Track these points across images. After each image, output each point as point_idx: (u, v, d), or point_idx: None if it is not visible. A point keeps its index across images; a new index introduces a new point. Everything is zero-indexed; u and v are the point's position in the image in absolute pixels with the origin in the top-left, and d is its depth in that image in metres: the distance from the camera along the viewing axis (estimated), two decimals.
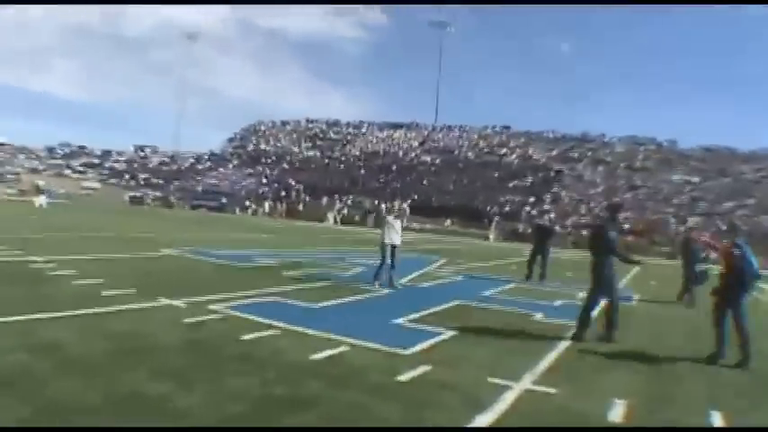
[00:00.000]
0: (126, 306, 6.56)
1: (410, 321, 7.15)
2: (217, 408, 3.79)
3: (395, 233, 10.12)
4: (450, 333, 6.64)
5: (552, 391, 4.75)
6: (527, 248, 14.87)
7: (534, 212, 42.29)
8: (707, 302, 7.27)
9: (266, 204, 51.63)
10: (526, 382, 4.93)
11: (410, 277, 11.84)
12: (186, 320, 6.13)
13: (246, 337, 5.66)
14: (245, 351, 5.17)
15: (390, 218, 10.32)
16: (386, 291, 9.60)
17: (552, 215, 39.05)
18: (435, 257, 17.77)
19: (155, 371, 4.38)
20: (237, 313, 6.70)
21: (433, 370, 5.03)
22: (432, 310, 8.05)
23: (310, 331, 6.09)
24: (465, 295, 9.76)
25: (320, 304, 7.79)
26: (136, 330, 5.55)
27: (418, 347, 5.80)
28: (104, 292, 7.21)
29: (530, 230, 40.15)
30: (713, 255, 9.26)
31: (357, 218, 46.97)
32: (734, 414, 4.59)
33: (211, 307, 6.91)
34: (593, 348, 6.47)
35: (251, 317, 6.55)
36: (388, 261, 10.07)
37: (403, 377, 4.77)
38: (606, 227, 7.26)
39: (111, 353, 4.77)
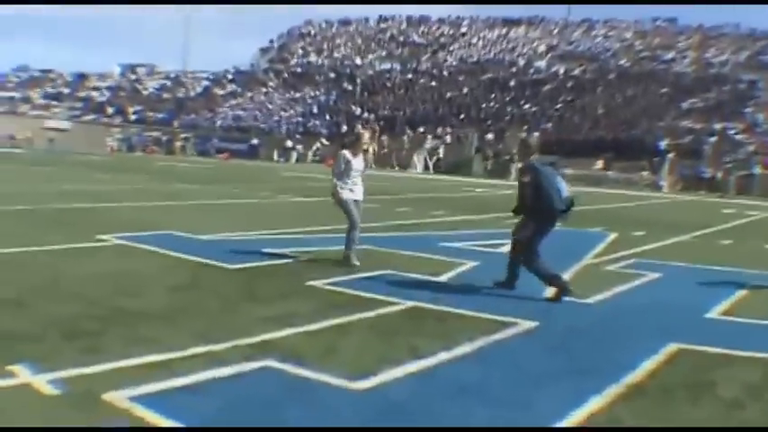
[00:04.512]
0: None
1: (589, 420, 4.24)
2: None
3: (357, 182, 9.40)
4: None
5: None
6: (730, 205, 12.14)
7: None
8: None
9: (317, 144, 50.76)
10: None
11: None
12: None
13: None
14: None
15: (350, 156, 9.35)
16: (523, 324, 6.65)
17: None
18: (597, 233, 14.61)
19: None
20: (164, 419, 4.01)
21: None
22: (629, 380, 5.12)
23: None
24: (679, 325, 7.13)
25: (368, 380, 4.82)
26: None
27: None
28: None
29: (719, 176, 36.45)
30: None
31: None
32: None
33: (111, 396, 4.25)
34: None
35: None
36: (359, 223, 9.35)
37: None
38: None
39: None
